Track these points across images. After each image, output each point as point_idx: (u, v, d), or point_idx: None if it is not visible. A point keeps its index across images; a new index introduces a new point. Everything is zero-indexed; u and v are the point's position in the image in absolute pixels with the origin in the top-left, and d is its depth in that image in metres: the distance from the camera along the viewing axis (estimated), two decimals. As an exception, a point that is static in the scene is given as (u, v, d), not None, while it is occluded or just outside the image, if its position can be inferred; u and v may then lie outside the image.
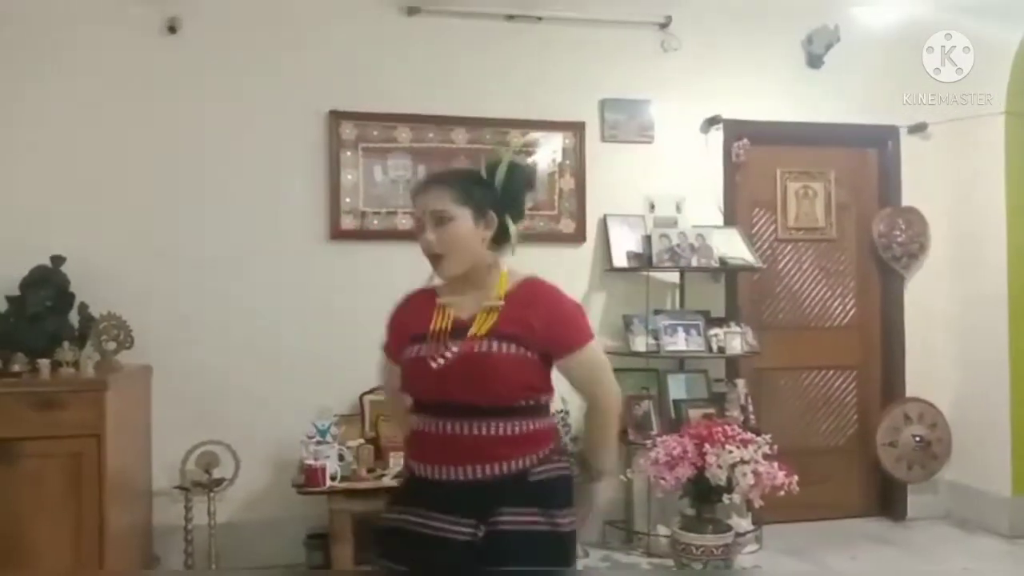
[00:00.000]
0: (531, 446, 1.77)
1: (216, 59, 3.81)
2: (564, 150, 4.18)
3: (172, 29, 3.72)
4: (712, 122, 4.35)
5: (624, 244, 4.14)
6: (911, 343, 4.61)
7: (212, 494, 3.54)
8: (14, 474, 2.92)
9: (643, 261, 4.07)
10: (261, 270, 3.85)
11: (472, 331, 1.76)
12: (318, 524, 3.70)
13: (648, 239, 4.05)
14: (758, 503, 3.56)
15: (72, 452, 2.97)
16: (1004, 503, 4.29)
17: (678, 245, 4.02)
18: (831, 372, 4.66)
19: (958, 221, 4.60)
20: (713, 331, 4.06)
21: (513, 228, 1.87)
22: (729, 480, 3.48)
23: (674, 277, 4.22)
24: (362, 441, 3.64)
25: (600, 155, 4.21)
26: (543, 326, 1.77)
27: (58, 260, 3.49)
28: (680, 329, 4.00)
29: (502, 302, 1.79)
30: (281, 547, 3.75)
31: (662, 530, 3.95)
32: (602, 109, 4.24)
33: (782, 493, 3.48)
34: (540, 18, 4.15)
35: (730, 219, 4.36)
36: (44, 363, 3.20)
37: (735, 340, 4.05)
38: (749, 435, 3.59)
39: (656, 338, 3.99)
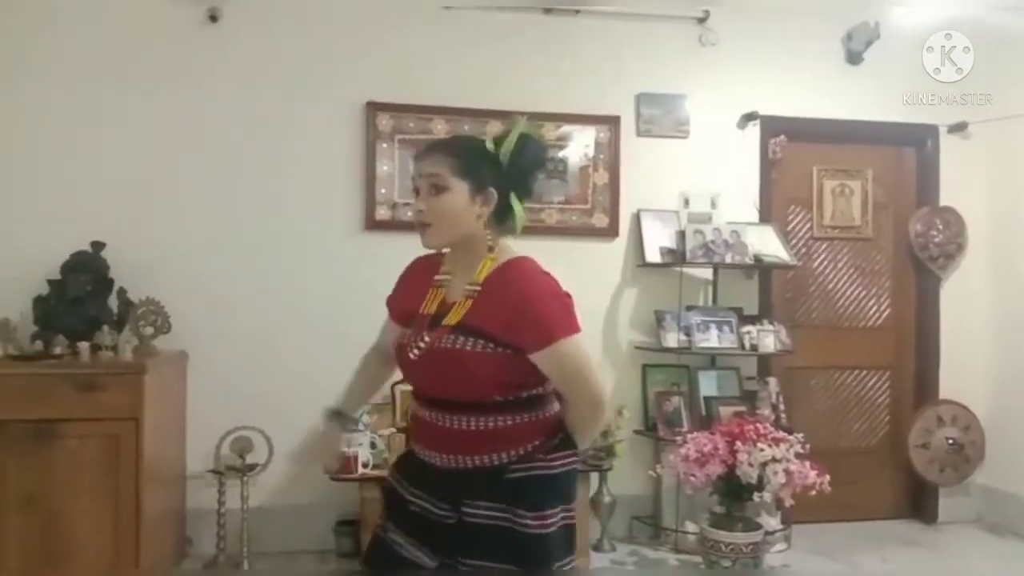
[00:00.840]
0: (507, 443, 1.70)
1: (256, 49, 3.84)
2: (598, 144, 4.17)
3: (213, 18, 3.75)
4: (749, 118, 4.32)
5: (657, 239, 4.12)
6: (946, 345, 4.55)
7: (245, 479, 3.58)
8: (55, 453, 2.98)
9: (676, 257, 4.05)
10: (296, 258, 3.88)
11: (445, 320, 1.70)
12: (348, 511, 3.74)
13: (682, 235, 4.03)
14: (789, 502, 3.54)
15: (110, 434, 3.02)
16: (1037, 508, 4.24)
17: (712, 241, 4.00)
18: (864, 372, 4.61)
19: (997, 222, 4.53)
20: (746, 328, 4.03)
21: (518, 208, 1.78)
22: (760, 478, 3.46)
23: (707, 273, 4.20)
24: (393, 430, 3.67)
25: (635, 150, 4.20)
26: (508, 320, 1.65)
27: (98, 246, 3.54)
28: (713, 326, 3.98)
29: (478, 288, 1.71)
30: (311, 533, 3.80)
31: (690, 527, 3.94)
32: (638, 103, 4.22)
33: (813, 493, 3.45)
34: (578, 11, 4.13)
35: (765, 216, 4.32)
36: (84, 346, 3.26)
37: (768, 338, 4.02)
38: (781, 434, 3.56)
39: (688, 334, 3.97)
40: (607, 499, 3.94)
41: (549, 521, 1.69)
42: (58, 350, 3.26)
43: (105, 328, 3.37)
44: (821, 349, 4.48)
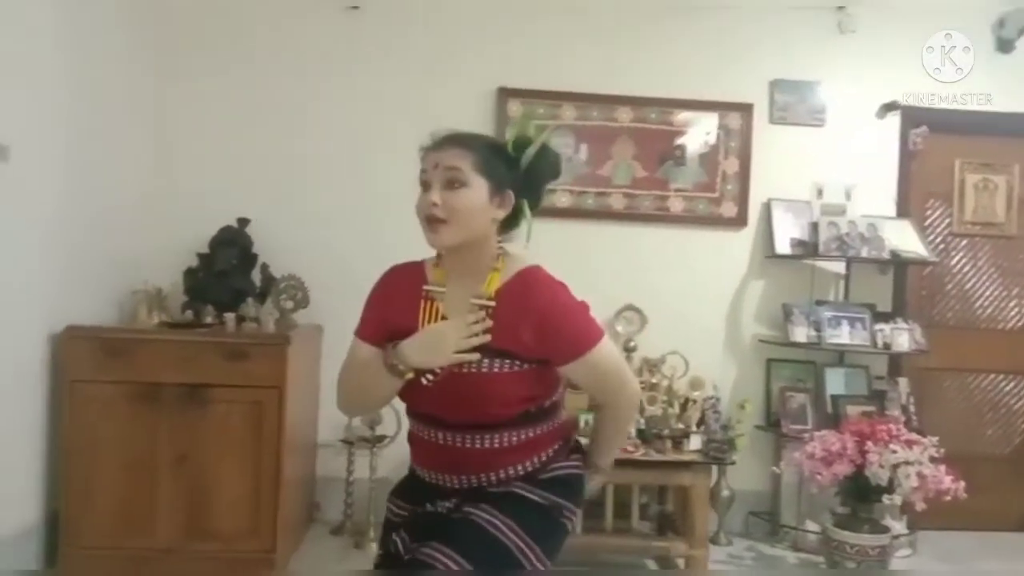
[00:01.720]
0: (527, 453, 1.66)
1: (393, 36, 3.95)
2: (729, 131, 4.09)
3: (354, 7, 3.87)
4: (889, 108, 4.15)
5: (788, 230, 4.03)
6: (1092, 351, 4.29)
7: (374, 449, 3.72)
8: (205, 417, 3.16)
9: (808, 249, 3.95)
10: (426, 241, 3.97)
11: None
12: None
13: (815, 226, 3.93)
14: (920, 506, 3.41)
15: (255, 401, 3.18)
16: None
17: (847, 234, 3.88)
18: (1001, 377, 4.39)
19: None
20: (879, 326, 3.90)
21: (528, 216, 1.69)
22: (891, 481, 3.36)
23: (839, 267, 4.08)
24: (515, 411, 3.73)
25: (767, 137, 4.11)
26: (535, 338, 1.58)
27: (243, 222, 3.72)
28: (844, 322, 3.87)
29: (493, 304, 1.61)
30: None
31: (810, 525, 3.86)
32: (772, 90, 4.12)
33: (948, 499, 3.33)
34: (714, -3, 4.07)
35: (902, 210, 4.16)
36: (230, 317, 3.44)
37: (902, 337, 3.88)
38: (915, 436, 3.44)
39: (818, 330, 3.87)
40: (725, 493, 3.90)
41: (570, 515, 1.70)
42: (208, 320, 3.46)
43: (249, 300, 3.55)
44: (956, 350, 4.28)
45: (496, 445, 1.62)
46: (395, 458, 3.89)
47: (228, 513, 3.19)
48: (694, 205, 4.08)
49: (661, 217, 4.06)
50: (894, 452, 3.36)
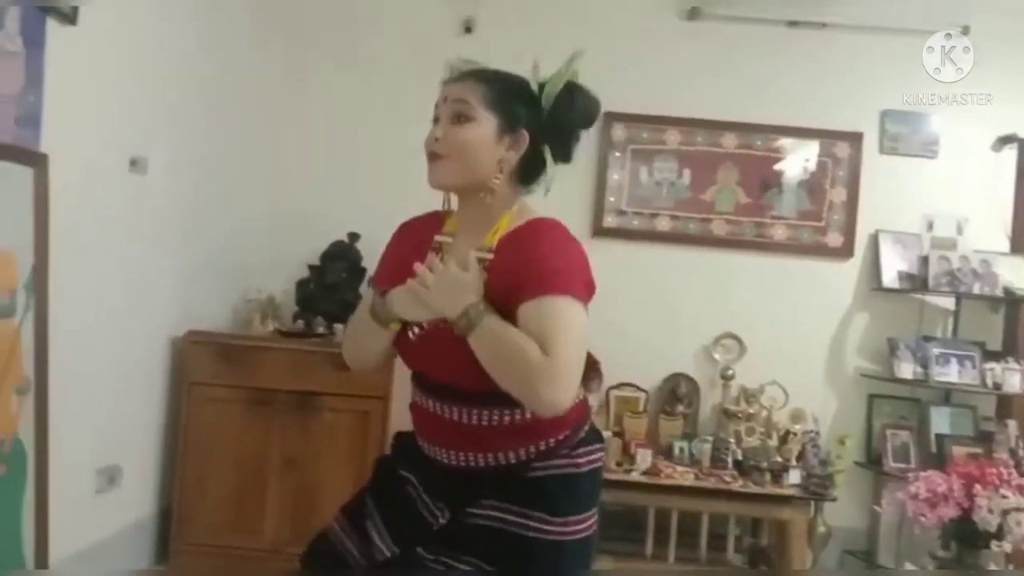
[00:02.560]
0: (527, 437, 1.47)
1: (505, 58, 3.99)
2: (837, 160, 4.03)
3: (468, 29, 3.98)
4: (1005, 141, 4.02)
5: (895, 263, 3.94)
6: None
7: (468, 465, 3.77)
8: (315, 423, 3.29)
9: (916, 283, 3.86)
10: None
11: None
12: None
13: (925, 260, 3.83)
14: (1031, 556, 3.29)
15: (361, 410, 3.29)
16: None
17: (958, 269, 3.77)
18: (1119, 423, 4.18)
19: None
20: (989, 365, 3.77)
21: (550, 162, 1.52)
22: (1000, 527, 3.24)
23: (948, 303, 3.95)
24: (609, 434, 3.73)
25: (876, 167, 4.02)
26: (515, 283, 1.39)
27: (353, 237, 3.85)
28: (953, 359, 3.76)
29: (491, 255, 1.45)
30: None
31: (909, 566, 3.74)
32: (882, 120, 4.05)
33: (1064, 550, 3.19)
34: (824, 24, 4.02)
35: (1017, 246, 4.01)
36: (339, 327, 3.56)
37: (1014, 377, 3.74)
38: (1029, 482, 3.31)
39: (924, 367, 3.77)
40: (821, 529, 3.81)
41: (572, 528, 1.46)
42: (320, 330, 3.58)
43: (356, 312, 3.67)
44: (1071, 394, 4.10)
45: (486, 422, 1.45)
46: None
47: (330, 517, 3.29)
48: (798, 234, 4.03)
49: (764, 245, 4.02)
50: (1005, 497, 3.24)
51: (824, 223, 4.03)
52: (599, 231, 4.01)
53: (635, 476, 3.48)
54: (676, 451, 3.70)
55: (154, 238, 3.11)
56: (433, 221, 1.61)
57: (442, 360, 1.47)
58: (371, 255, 3.88)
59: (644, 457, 3.57)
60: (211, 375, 3.29)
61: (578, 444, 1.51)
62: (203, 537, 3.29)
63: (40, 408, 2.41)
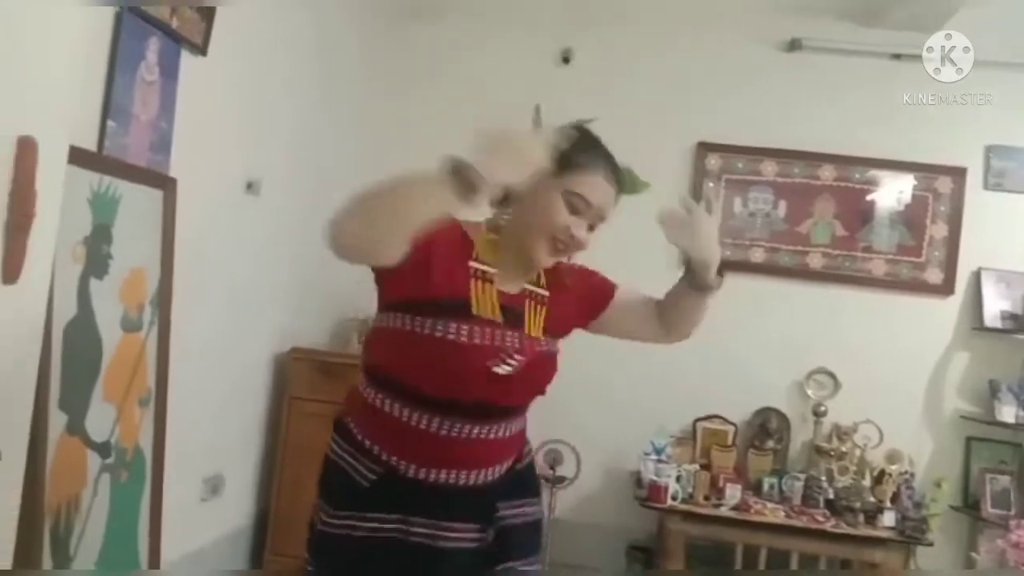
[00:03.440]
0: (519, 442, 1.62)
1: (601, 89, 4.06)
2: (939, 195, 3.95)
3: (566, 60, 4.04)
4: (1117, 179, 3.89)
5: (999, 302, 3.83)
6: None
7: (554, 489, 3.79)
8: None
9: (1021, 323, 3.74)
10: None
11: (529, 329, 1.52)
12: (642, 537, 3.84)
13: (1031, 300, 3.72)
14: None
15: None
16: None
17: (1067, 311, 3.65)
18: None
19: None
20: (1097, 411, 3.63)
21: None
22: (1110, 582, 3.11)
23: (1055, 345, 3.83)
24: (698, 467, 3.70)
25: (980, 203, 3.93)
26: (576, 308, 1.65)
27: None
28: (1059, 404, 3.63)
29: (546, 292, 1.58)
30: (604, 551, 3.93)
31: (1008, 619, 3.60)
32: (987, 155, 3.95)
33: None
34: (928, 57, 3.95)
35: None
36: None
37: (1124, 425, 3.59)
38: None
39: (1028, 410, 3.65)
40: (915, 573, 3.72)
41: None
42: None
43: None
44: None
45: (504, 435, 1.53)
46: (573, 499, 3.97)
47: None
48: (897, 269, 3.95)
49: (861, 279, 3.95)
50: (1115, 551, 3.11)
51: (924, 259, 3.94)
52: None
53: (724, 511, 3.44)
54: (766, 487, 3.66)
55: (264, 258, 3.24)
56: (460, 236, 1.50)
57: (524, 386, 1.52)
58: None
59: (733, 492, 3.54)
60: (310, 390, 3.39)
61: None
62: (296, 548, 3.34)
63: (159, 418, 2.54)
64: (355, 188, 1.35)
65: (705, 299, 1.63)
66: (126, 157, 2.32)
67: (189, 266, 2.64)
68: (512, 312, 1.50)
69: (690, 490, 3.58)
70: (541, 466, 3.83)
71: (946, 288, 3.92)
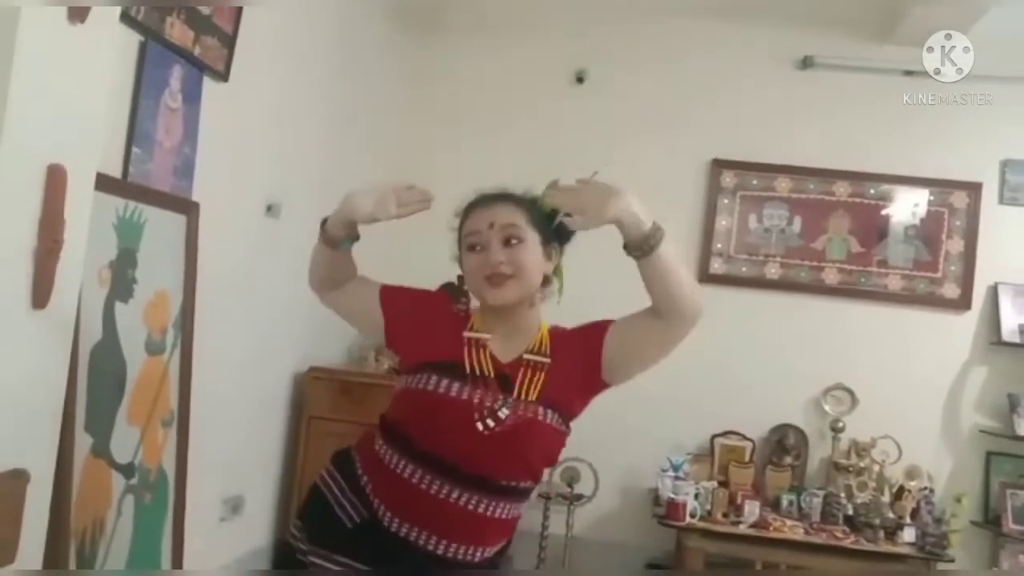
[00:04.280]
0: (510, 532, 1.59)
1: (615, 107, 4.10)
2: (954, 210, 3.95)
3: (580, 79, 4.08)
4: None
5: (1016, 316, 3.82)
6: None
7: (571, 507, 3.80)
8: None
9: (1039, 338, 3.73)
10: (633, 307, 4.06)
11: (520, 392, 1.52)
12: (657, 555, 3.83)
13: (1048, 315, 3.71)
14: None
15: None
16: None
17: (1085, 325, 3.63)
18: None
19: None
20: (1118, 425, 3.61)
21: (562, 271, 1.64)
22: None
23: (1073, 359, 3.81)
24: (716, 484, 3.70)
25: (996, 218, 3.93)
26: (579, 367, 1.56)
27: (463, 280, 3.94)
28: (1079, 419, 3.60)
29: (549, 360, 1.56)
30: (619, 569, 3.92)
31: (1032, 637, 3.57)
32: (1003, 170, 3.95)
33: None
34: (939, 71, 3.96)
35: None
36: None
37: None
38: None
39: (1048, 424, 3.63)
40: (936, 590, 3.69)
41: None
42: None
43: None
44: None
45: (502, 514, 1.52)
46: (591, 516, 3.97)
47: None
48: (913, 284, 3.94)
49: (877, 294, 3.95)
50: None
51: (940, 274, 3.94)
52: (706, 277, 4.00)
53: (742, 528, 3.44)
54: (784, 504, 3.65)
55: (284, 278, 3.27)
56: (450, 307, 1.67)
57: (507, 455, 1.50)
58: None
59: (752, 509, 3.53)
60: (329, 409, 3.41)
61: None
62: (315, 568, 3.38)
63: (181, 439, 2.57)
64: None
65: (658, 262, 1.49)
66: (150, 183, 2.36)
67: (211, 289, 2.67)
68: (506, 378, 1.54)
69: (708, 507, 3.57)
70: (559, 484, 3.84)
71: (963, 303, 3.91)
